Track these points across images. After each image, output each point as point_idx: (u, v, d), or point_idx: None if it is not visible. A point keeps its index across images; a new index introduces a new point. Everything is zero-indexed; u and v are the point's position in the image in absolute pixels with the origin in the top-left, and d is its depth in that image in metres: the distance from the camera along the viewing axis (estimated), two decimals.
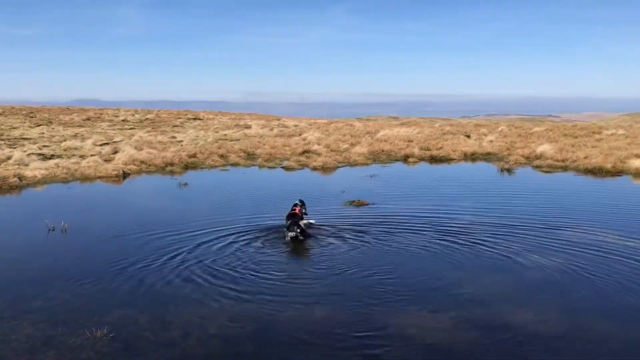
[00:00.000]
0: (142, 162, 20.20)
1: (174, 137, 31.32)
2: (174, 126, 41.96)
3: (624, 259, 8.58)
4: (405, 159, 22.37)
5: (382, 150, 23.92)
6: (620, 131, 29.38)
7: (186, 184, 16.43)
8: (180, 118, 49.88)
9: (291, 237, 9.85)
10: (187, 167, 20.24)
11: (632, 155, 19.40)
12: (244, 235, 10.20)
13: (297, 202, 10.84)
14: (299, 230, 9.89)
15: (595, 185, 15.88)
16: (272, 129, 38.04)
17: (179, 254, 9.08)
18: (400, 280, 7.81)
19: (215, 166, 20.47)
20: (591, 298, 7.11)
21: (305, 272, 8.25)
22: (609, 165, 18.24)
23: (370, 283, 7.72)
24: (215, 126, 40.95)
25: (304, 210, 10.64)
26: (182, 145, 26.46)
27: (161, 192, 15.48)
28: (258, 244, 9.69)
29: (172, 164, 20.09)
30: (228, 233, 10.36)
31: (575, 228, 10.51)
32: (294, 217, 10.19)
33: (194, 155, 21.77)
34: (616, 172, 17.76)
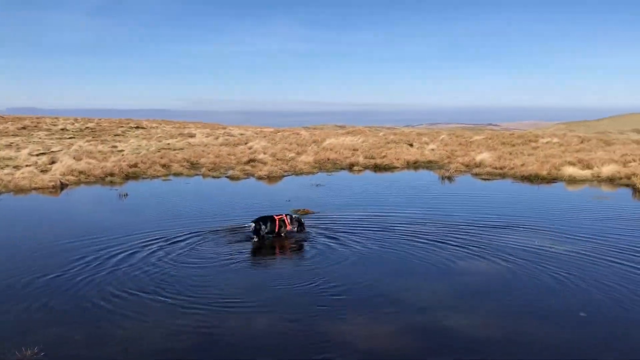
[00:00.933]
0: (80, 172, 19.55)
1: (115, 147, 30.51)
2: (116, 135, 40.91)
3: (560, 262, 8.92)
4: (350, 167, 22.57)
5: (328, 159, 24.07)
6: (555, 139, 30.64)
7: (126, 194, 16.00)
8: (122, 127, 48.68)
9: (254, 230, 10.38)
10: (128, 177, 19.72)
11: (566, 162, 20.26)
12: (180, 246, 10.01)
13: (293, 216, 11.06)
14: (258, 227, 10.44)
15: (532, 192, 16.48)
16: (217, 138, 37.63)
17: (115, 268, 8.81)
18: (342, 287, 7.84)
19: (158, 176, 20.04)
20: (529, 302, 7.34)
21: (244, 283, 8.16)
22: (544, 173, 18.98)
23: (311, 291, 7.71)
24: (159, 135, 40.17)
25: (287, 221, 10.86)
26: (123, 155, 25.80)
27: (99, 203, 15.01)
28: (196, 255, 9.53)
29: (112, 175, 19.54)
30: (165, 244, 10.15)
31: (512, 233, 10.86)
32: (269, 218, 10.71)
33: (135, 165, 21.25)
34: (551, 179, 18.49)
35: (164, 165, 21.81)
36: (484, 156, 23.02)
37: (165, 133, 42.27)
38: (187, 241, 10.39)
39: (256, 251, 9.82)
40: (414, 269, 8.77)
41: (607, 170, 18.71)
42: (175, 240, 10.45)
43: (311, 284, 8.02)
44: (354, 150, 27.00)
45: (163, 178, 19.72)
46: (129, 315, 6.92)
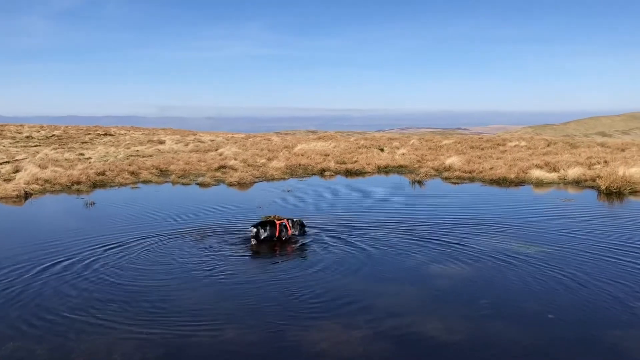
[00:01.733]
0: (46, 181, 19.10)
1: (82, 154, 29.95)
2: (83, 142, 40.18)
3: (529, 264, 9.03)
4: (321, 173, 22.57)
5: (299, 165, 24.03)
6: (523, 143, 31.19)
7: (93, 203, 15.68)
8: (89, 134, 47.83)
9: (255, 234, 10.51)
10: (95, 185, 19.34)
11: (533, 165, 20.61)
12: (148, 255, 9.84)
13: (295, 220, 11.04)
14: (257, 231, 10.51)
15: (500, 195, 16.71)
16: (187, 144, 37.27)
17: (79, 277, 8.60)
18: (313, 294, 7.79)
19: (126, 184, 19.70)
20: (498, 304, 7.40)
21: (212, 291, 8.05)
22: (512, 176, 19.28)
23: (281, 298, 7.65)
24: (127, 142, 39.58)
25: (289, 225, 10.87)
26: (90, 162, 25.32)
27: (64, 212, 14.67)
28: (164, 264, 9.38)
29: (79, 183, 19.12)
30: (131, 253, 9.96)
31: (481, 236, 10.97)
32: (270, 223, 10.72)
33: (102, 173, 20.85)
34: (519, 182, 18.79)
35: (132, 173, 21.46)
36: (454, 160, 23.28)
37: (134, 140, 41.68)
38: (152, 248, 10.21)
39: (225, 258, 9.69)
40: (385, 273, 8.77)
41: (573, 172, 19.10)
42: (141, 247, 10.27)
43: (281, 291, 7.95)
44: (325, 155, 27.02)
45: (132, 186, 19.40)
46: (94, 326, 6.75)
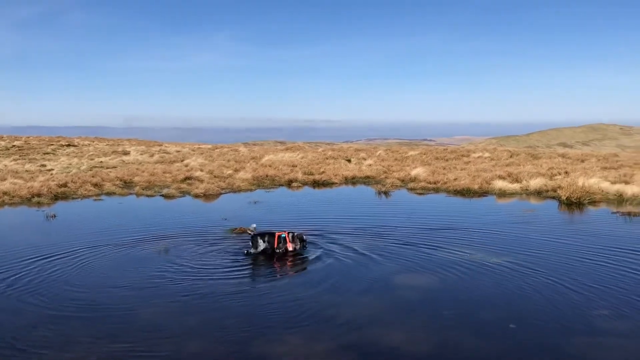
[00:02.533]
0: (4, 193, 18.58)
1: (43, 166, 29.31)
2: (45, 154, 39.26)
3: (491, 274, 9.16)
4: (289, 184, 22.54)
5: (267, 176, 23.95)
6: (486, 154, 31.77)
7: (54, 215, 15.31)
8: (52, 145, 46.76)
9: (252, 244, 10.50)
10: (56, 197, 18.89)
11: (496, 176, 21.00)
12: (104, 267, 9.65)
13: (295, 234, 10.74)
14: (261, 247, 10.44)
15: (464, 206, 16.96)
16: (152, 155, 36.80)
17: (25, 293, 8.37)
18: (276, 307, 7.75)
19: (89, 196, 19.30)
20: (461, 314, 7.48)
21: (177, 305, 7.93)
22: (476, 187, 19.59)
23: (245, 311, 7.58)
24: (91, 153, 38.87)
25: (288, 239, 10.61)
26: (52, 174, 24.76)
27: (22, 225, 14.28)
28: (125, 277, 9.20)
29: (39, 195, 18.65)
30: (91, 265, 9.75)
31: (444, 246, 11.09)
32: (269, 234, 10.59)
33: (64, 185, 20.39)
34: (482, 193, 19.10)
35: (95, 185, 21.05)
36: (419, 171, 23.55)
37: (98, 151, 40.94)
38: (111, 260, 10.02)
39: (187, 271, 9.56)
40: (350, 284, 8.79)
41: (535, 183, 19.52)
42: (98, 259, 10.07)
43: (245, 304, 7.89)
44: (292, 166, 27.02)
45: (95, 198, 19.01)
46: (51, 340, 6.57)
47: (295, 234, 10.75)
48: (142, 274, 9.37)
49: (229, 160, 30.92)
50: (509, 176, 21.07)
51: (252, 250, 10.51)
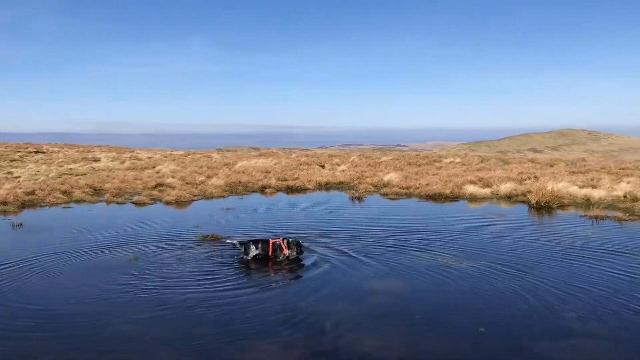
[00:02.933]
0: None
1: (10, 173, 28.68)
2: (12, 160, 38.38)
3: (462, 278, 9.24)
4: (262, 190, 22.45)
5: (240, 182, 23.82)
6: (458, 159, 32.15)
7: (21, 224, 14.95)
8: (19, 152, 45.75)
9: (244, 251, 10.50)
10: (23, 205, 18.45)
11: (467, 181, 21.25)
12: (76, 275, 9.46)
13: (290, 240, 10.69)
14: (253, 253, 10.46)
15: (435, 210, 17.11)
16: (123, 162, 36.30)
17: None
18: (249, 314, 7.69)
19: (57, 204, 18.91)
20: (432, 319, 7.51)
21: (148, 314, 7.80)
22: (447, 191, 19.80)
23: (216, 320, 7.50)
24: (60, 160, 38.13)
25: (284, 245, 10.56)
26: (19, 181, 24.22)
27: None
28: (94, 286, 9.03)
29: (5, 203, 18.17)
30: (56, 273, 9.54)
31: (416, 251, 11.16)
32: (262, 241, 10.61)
33: (32, 193, 19.95)
34: (454, 198, 19.31)
35: (64, 192, 20.64)
36: (392, 176, 23.71)
37: (68, 158, 40.19)
38: (80, 269, 9.83)
39: (158, 278, 9.42)
40: (323, 289, 8.75)
41: (505, 188, 19.81)
42: (68, 267, 9.86)
43: (217, 312, 7.80)
44: (266, 172, 26.94)
45: (64, 205, 18.64)
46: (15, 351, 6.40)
47: (290, 240, 10.72)
48: (111, 283, 9.19)
49: (201, 167, 30.66)
50: (480, 181, 21.34)
51: (244, 257, 10.49)
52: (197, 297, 8.52)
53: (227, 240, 11.28)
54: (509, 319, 7.47)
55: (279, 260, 10.53)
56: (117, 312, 7.86)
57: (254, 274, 9.75)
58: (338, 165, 30.88)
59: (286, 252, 10.58)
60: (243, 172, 26.83)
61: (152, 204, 19.06)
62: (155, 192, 20.85)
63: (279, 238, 10.79)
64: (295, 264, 10.28)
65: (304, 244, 11.05)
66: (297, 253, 10.66)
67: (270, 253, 10.57)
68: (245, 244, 10.61)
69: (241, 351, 6.52)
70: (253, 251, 10.51)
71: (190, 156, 41.69)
